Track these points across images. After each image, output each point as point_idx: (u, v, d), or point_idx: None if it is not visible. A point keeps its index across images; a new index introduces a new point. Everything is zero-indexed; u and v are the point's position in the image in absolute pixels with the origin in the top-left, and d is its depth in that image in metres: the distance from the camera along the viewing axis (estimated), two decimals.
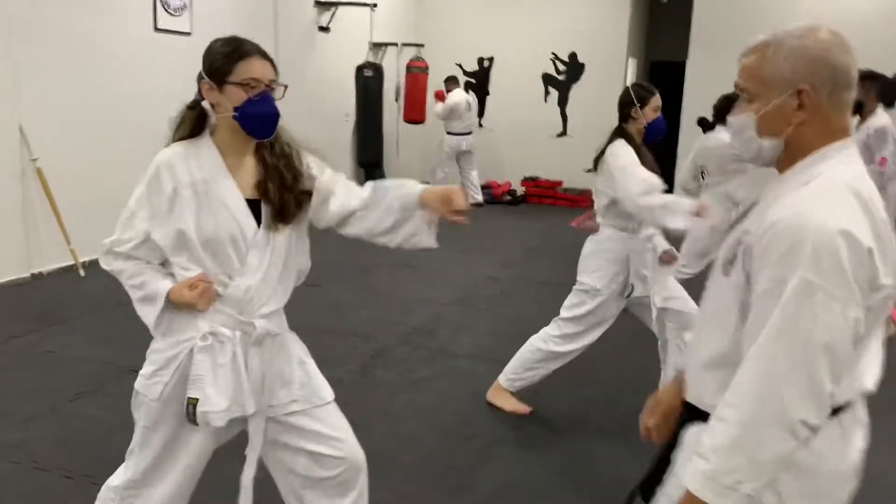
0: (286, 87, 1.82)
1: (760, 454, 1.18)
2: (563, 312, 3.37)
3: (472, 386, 3.71)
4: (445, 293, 5.43)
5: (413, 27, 10.17)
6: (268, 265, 1.83)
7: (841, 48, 1.27)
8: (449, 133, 9.33)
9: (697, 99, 7.97)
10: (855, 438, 1.33)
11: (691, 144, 5.34)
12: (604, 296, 3.26)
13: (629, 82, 10.93)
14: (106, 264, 1.87)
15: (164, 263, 1.83)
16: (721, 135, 4.76)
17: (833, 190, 1.22)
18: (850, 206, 1.20)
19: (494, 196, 9.89)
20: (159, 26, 6.14)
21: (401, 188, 1.87)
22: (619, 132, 3.25)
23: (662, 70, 11.88)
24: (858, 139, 4.53)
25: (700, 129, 5.08)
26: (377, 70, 8.57)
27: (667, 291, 3.36)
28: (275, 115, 1.78)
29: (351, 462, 1.90)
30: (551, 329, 3.38)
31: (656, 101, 3.23)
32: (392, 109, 9.33)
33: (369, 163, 8.94)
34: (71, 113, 5.43)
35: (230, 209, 1.76)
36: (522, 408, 3.44)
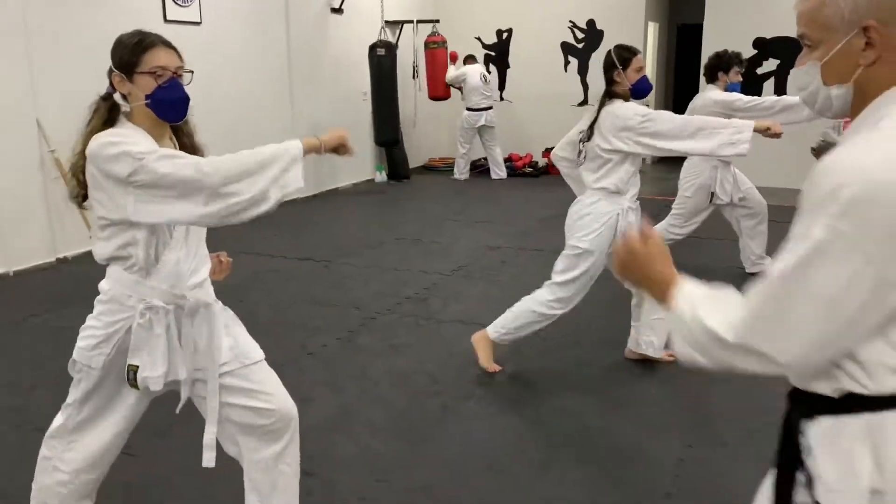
0: (192, 72, 1.97)
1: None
2: (556, 277, 3.41)
3: (451, 349, 3.86)
4: (446, 264, 5.57)
5: (430, 3, 10.22)
6: (191, 237, 2.00)
7: None
8: (467, 108, 9.43)
9: None
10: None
11: None
12: (594, 256, 3.33)
13: (651, 47, 10.79)
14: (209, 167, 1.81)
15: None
16: (708, 93, 4.74)
17: (894, 132, 1.07)
18: None
19: (516, 168, 9.94)
20: (169, 18, 6.38)
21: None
22: (609, 96, 3.31)
23: (689, 33, 11.65)
24: None
25: None
26: (389, 48, 8.68)
27: None
28: (185, 99, 1.93)
29: (281, 413, 2.06)
30: (546, 294, 3.43)
31: (638, 61, 3.26)
32: (409, 87, 9.44)
33: (387, 141, 9.09)
34: (85, 106, 5.72)
35: None
36: (494, 367, 3.56)
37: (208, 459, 2.06)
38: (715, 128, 3.21)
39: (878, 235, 1.02)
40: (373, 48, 8.69)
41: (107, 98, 1.94)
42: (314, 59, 8.33)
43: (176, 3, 6.45)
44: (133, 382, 1.95)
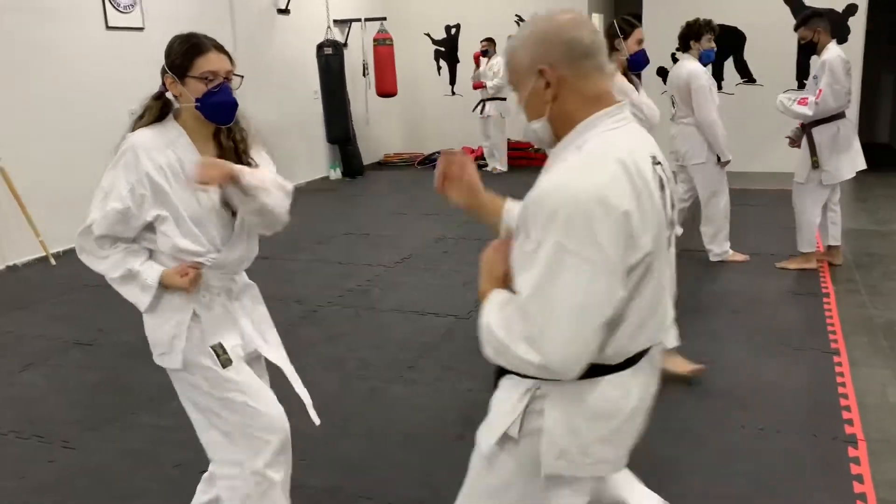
0: (242, 77, 2.01)
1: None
2: None
3: (386, 336, 4.05)
4: (391, 256, 5.74)
5: (379, 1, 10.35)
6: (248, 231, 2.12)
7: (573, 24, 1.38)
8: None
9: (654, 50, 8.02)
10: (643, 384, 1.48)
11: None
12: None
13: None
14: (85, 252, 2.02)
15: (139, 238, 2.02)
16: (685, 63, 4.75)
17: (594, 157, 1.31)
18: (609, 171, 1.28)
19: None
20: (111, 24, 6.46)
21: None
22: None
23: None
24: (811, 76, 4.75)
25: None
26: (336, 47, 8.82)
27: None
28: (232, 105, 1.98)
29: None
30: None
31: (639, 33, 3.33)
32: (360, 84, 9.58)
33: (338, 138, 9.23)
34: (30, 114, 5.80)
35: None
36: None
37: (315, 416, 2.38)
38: None
39: (595, 243, 1.24)
40: (320, 47, 8.82)
41: (158, 97, 2.01)
42: (261, 60, 8.42)
43: (117, 9, 6.52)
44: (225, 358, 2.06)
